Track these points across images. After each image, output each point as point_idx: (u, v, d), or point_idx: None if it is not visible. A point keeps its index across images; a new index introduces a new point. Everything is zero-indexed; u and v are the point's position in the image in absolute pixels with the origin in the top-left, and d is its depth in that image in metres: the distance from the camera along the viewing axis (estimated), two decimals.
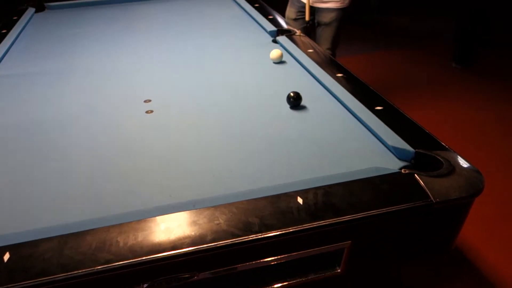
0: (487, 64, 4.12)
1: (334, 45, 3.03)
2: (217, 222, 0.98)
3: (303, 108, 1.54)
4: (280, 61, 1.94)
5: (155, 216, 1.01)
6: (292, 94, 1.53)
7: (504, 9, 3.49)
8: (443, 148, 1.21)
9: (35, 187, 1.20)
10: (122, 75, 1.93)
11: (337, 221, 0.98)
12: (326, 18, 2.91)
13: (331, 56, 1.91)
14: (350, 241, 1.04)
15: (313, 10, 2.89)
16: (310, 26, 2.99)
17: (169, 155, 1.32)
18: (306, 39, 2.15)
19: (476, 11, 3.85)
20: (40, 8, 2.96)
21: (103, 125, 1.52)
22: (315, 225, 0.97)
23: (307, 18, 2.90)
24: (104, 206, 1.11)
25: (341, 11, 2.90)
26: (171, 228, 0.97)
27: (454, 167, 1.11)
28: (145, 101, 1.65)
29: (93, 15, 2.88)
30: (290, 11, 3.02)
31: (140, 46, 2.29)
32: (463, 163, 1.14)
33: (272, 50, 1.96)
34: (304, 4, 2.86)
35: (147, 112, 1.58)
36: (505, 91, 3.66)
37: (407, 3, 5.76)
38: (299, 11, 2.96)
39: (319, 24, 2.96)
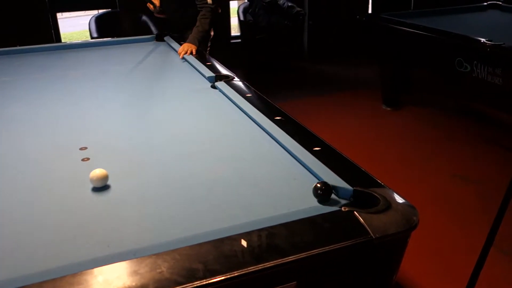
0: (411, 107, 4.44)
1: None
2: (159, 270, 0.94)
3: (242, 150, 1.55)
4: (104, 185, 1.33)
5: (92, 268, 0.95)
6: (319, 185, 1.23)
7: (419, 61, 3.88)
8: (379, 185, 1.25)
9: None
10: (56, 122, 1.86)
11: (282, 262, 0.98)
12: None
13: (268, 100, 1.96)
14: (295, 282, 1.03)
15: None
16: None
17: (107, 203, 1.27)
18: (244, 84, 2.20)
19: (397, 62, 4.21)
20: None
21: (35, 174, 1.44)
22: (260, 268, 0.96)
23: None
24: (36, 260, 1.03)
25: None
26: (110, 280, 0.92)
27: (390, 203, 1.15)
28: (80, 149, 1.59)
29: (24, 63, 2.79)
30: None
31: (75, 93, 2.23)
32: (398, 199, 1.19)
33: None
34: None
35: (83, 159, 1.52)
36: (430, 130, 3.93)
37: (337, 53, 6.12)
38: None
39: None
